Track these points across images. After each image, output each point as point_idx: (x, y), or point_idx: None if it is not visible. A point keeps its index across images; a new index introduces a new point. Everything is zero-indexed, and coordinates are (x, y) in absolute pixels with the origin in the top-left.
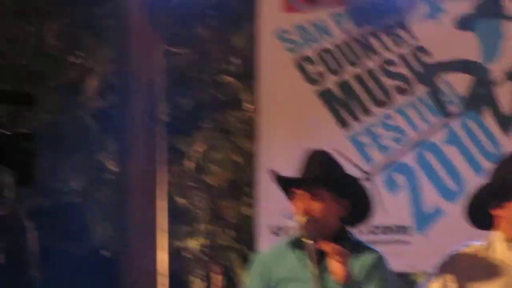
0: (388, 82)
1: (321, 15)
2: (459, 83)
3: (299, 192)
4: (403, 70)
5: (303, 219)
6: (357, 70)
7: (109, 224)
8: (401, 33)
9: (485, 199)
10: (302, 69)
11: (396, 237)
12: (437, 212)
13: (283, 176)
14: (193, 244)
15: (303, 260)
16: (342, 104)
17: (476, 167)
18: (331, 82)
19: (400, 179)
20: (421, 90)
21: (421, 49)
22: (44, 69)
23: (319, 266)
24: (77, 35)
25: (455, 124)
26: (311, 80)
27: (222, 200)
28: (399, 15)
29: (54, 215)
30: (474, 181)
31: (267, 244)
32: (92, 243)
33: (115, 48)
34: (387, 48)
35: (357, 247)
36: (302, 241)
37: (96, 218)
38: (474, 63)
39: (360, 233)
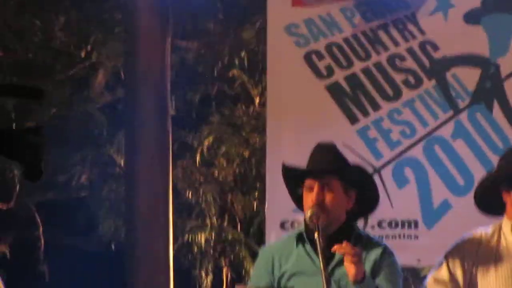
0: (397, 76)
1: (330, 9)
2: (467, 77)
3: (309, 183)
4: (412, 64)
5: (313, 212)
6: (366, 64)
7: (116, 217)
8: (410, 27)
9: (495, 184)
10: (310, 63)
11: (404, 231)
12: (445, 206)
13: (295, 167)
14: (201, 237)
15: (310, 254)
16: (350, 98)
17: (484, 161)
18: (339, 76)
19: (408, 173)
20: (429, 84)
21: (429, 43)
22: (52, 63)
23: (327, 260)
24: (85, 29)
25: (463, 118)
26: (320, 74)
27: (230, 194)
28: (407, 9)
29: (62, 209)
30: (482, 176)
31: (275, 238)
32: (100, 237)
33: (123, 42)
34: (395, 42)
35: (364, 241)
36: (309, 234)
37: (104, 212)
38: (482, 57)
39: (368, 227)
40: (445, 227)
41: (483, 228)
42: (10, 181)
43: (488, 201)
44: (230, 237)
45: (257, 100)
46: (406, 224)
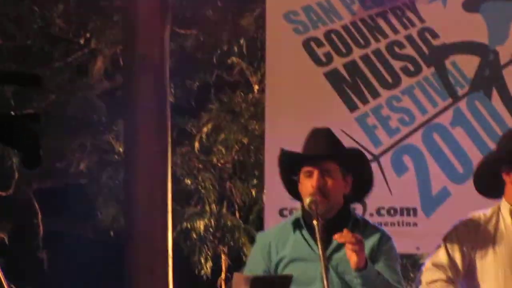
0: (396, 63)
1: None
2: (466, 65)
3: (308, 168)
4: (411, 52)
5: (312, 198)
6: (365, 51)
7: (116, 205)
8: (409, 14)
9: (495, 164)
10: (309, 50)
11: (403, 218)
12: (444, 194)
13: (294, 153)
14: (200, 224)
15: (308, 240)
16: (349, 86)
17: (483, 148)
18: (338, 63)
19: (407, 160)
20: (428, 71)
21: (429, 30)
22: (51, 50)
23: (326, 246)
24: (84, 16)
25: (462, 106)
26: (319, 61)
27: (229, 181)
28: None
29: (61, 196)
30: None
31: (275, 224)
32: (99, 224)
33: (122, 29)
34: (394, 30)
35: (361, 226)
36: (306, 220)
37: (103, 199)
38: (481, 44)
39: (367, 214)
40: (444, 214)
41: (482, 211)
42: (8, 169)
43: (488, 182)
44: (229, 223)
45: (256, 87)
46: (405, 212)
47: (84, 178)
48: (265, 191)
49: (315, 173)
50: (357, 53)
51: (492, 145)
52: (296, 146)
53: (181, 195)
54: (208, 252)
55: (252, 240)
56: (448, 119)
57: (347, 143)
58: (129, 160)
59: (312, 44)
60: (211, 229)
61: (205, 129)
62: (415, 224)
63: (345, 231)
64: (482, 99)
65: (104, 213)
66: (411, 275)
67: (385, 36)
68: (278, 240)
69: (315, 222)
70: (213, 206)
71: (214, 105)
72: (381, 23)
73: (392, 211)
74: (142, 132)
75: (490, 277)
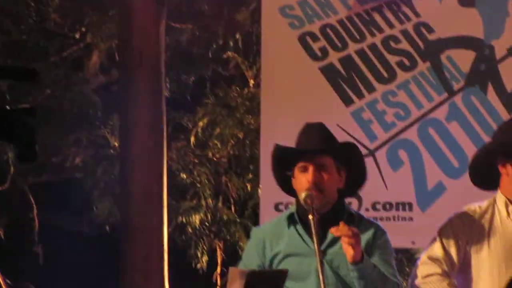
0: (391, 58)
1: None
2: (462, 60)
3: (303, 163)
4: (406, 46)
5: (308, 193)
6: (360, 46)
7: (111, 199)
8: (405, 9)
9: (491, 156)
10: (305, 45)
11: (399, 213)
12: (440, 188)
13: (290, 148)
14: (196, 218)
15: (302, 235)
16: (345, 80)
17: (478, 143)
18: (334, 58)
19: (402, 155)
20: (424, 66)
21: (424, 25)
22: (46, 45)
23: (321, 240)
24: (80, 11)
25: (458, 100)
26: (314, 56)
27: (225, 176)
28: None
29: (57, 190)
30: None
31: (269, 219)
32: (95, 219)
33: (118, 24)
34: (390, 24)
35: (356, 220)
36: (301, 215)
37: (99, 194)
38: (477, 39)
39: (362, 209)
40: (440, 209)
41: (477, 203)
42: (4, 163)
43: (483, 174)
44: (225, 218)
45: (251, 82)
46: (401, 206)
47: (79, 172)
48: (260, 185)
49: (310, 168)
50: (352, 47)
51: (487, 140)
52: (292, 140)
53: (176, 189)
54: (204, 246)
55: (247, 234)
56: (443, 114)
57: (342, 137)
58: (124, 154)
59: (308, 38)
60: (206, 223)
61: (200, 124)
62: (410, 219)
63: (341, 224)
64: (478, 93)
65: (100, 208)
66: (407, 269)
67: (380, 30)
68: (272, 235)
69: (310, 216)
70: (209, 200)
71: (210, 99)
72: (377, 17)
73: (387, 206)
74: (137, 126)
75: (485, 270)
